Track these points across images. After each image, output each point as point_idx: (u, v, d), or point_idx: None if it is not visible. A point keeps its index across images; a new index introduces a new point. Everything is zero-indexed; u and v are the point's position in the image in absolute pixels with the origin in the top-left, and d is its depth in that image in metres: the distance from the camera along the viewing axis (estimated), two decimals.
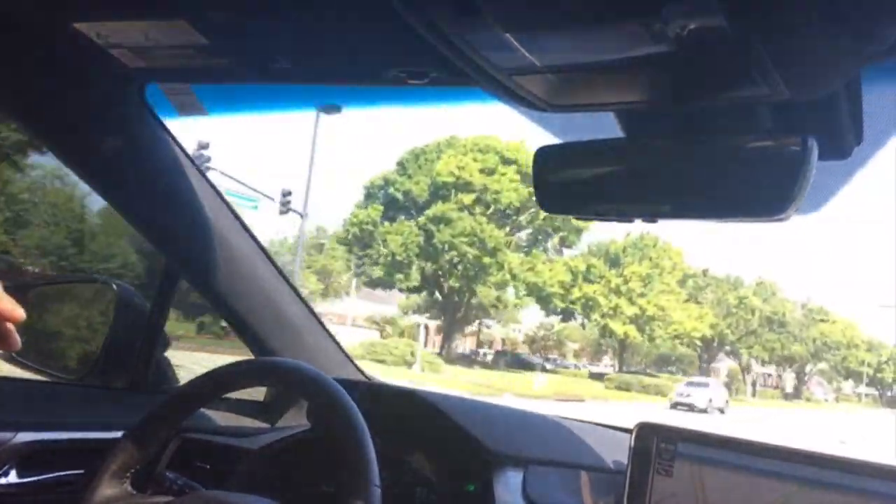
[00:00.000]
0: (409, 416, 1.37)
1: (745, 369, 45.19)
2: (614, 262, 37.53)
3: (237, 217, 1.49)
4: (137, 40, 1.02)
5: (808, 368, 49.76)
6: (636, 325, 36.64)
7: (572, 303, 35.85)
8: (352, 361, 1.74)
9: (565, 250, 36.51)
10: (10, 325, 0.71)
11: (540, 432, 1.44)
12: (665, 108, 0.88)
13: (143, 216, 1.43)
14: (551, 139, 0.97)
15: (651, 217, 0.91)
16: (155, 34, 1.00)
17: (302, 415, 1.52)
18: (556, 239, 35.70)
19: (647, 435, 1.10)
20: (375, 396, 1.41)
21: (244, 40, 1.01)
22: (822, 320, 46.92)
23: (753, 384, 46.96)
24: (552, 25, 0.72)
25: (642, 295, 36.47)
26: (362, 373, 1.76)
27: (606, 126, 0.92)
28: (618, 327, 36.66)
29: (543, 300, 35.10)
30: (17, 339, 0.72)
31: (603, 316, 36.60)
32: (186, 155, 1.37)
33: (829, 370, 52.81)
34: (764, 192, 0.79)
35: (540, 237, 35.45)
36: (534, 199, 1.01)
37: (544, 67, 0.78)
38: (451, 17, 0.72)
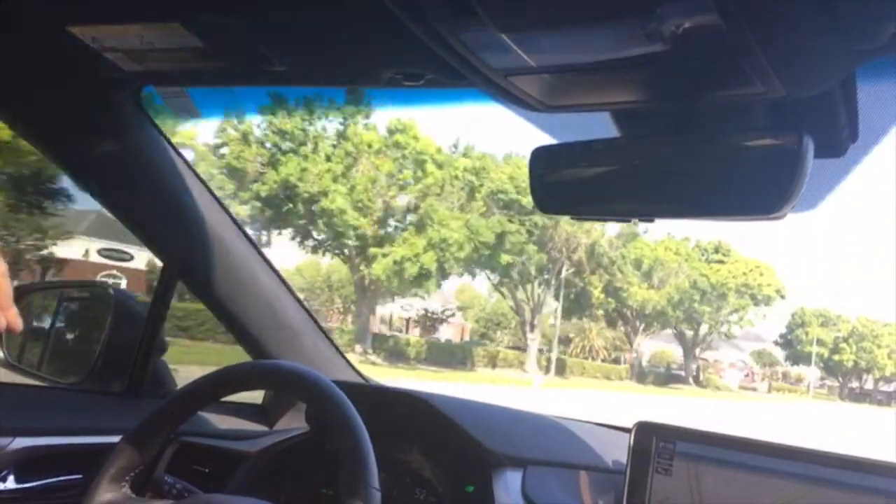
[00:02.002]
0: (407, 417, 1.36)
1: (528, 324, 28.34)
2: None
3: (234, 220, 1.49)
4: (133, 44, 1.02)
5: (705, 335, 33.95)
6: None
7: None
8: (349, 364, 1.74)
9: None
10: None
11: (539, 432, 1.44)
12: (661, 107, 0.88)
13: (139, 220, 1.43)
14: (547, 139, 0.98)
15: (648, 216, 0.91)
16: (150, 38, 1.00)
17: (300, 418, 1.51)
18: None
19: (647, 434, 1.10)
20: (374, 398, 1.41)
21: (239, 43, 1.01)
22: (718, 261, 32.69)
23: (549, 357, 30.22)
24: (547, 26, 0.72)
25: None
26: (360, 375, 1.76)
27: (602, 126, 0.92)
28: None
29: None
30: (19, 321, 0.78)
31: None
32: (182, 158, 1.36)
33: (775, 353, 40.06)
34: (760, 190, 0.79)
35: None
36: None
37: (540, 68, 0.78)
38: (446, 18, 0.72)
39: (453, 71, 0.82)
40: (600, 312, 31.40)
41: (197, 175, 1.39)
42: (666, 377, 34.68)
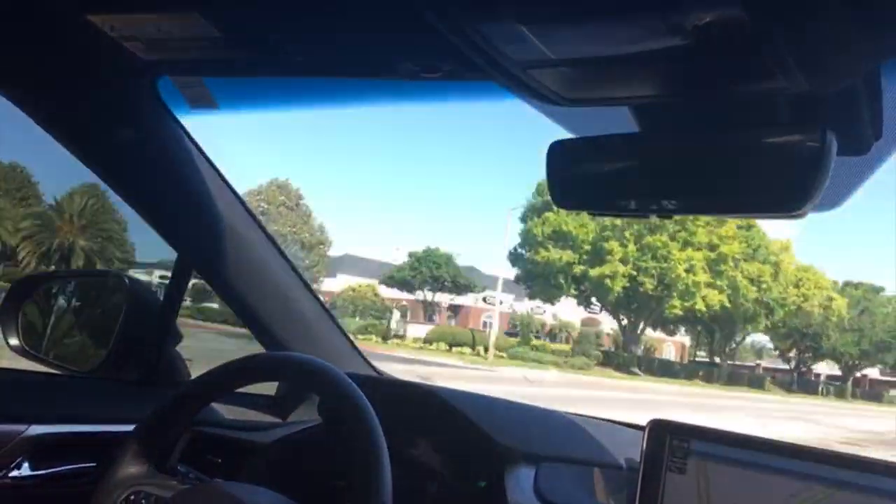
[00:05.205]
0: (420, 411, 1.36)
1: None
2: None
3: (249, 211, 1.49)
4: (150, 33, 1.02)
5: None
6: None
7: None
8: (362, 356, 1.74)
9: None
10: None
11: (552, 429, 1.43)
12: (681, 101, 0.87)
13: (154, 210, 1.43)
14: (565, 134, 0.97)
15: (666, 212, 0.90)
16: (168, 27, 1.00)
17: (313, 409, 1.52)
18: None
19: (661, 432, 1.09)
20: (387, 391, 1.41)
21: (257, 33, 1.01)
22: None
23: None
24: (568, 18, 0.71)
25: None
26: (373, 367, 1.76)
27: (621, 120, 0.91)
28: None
29: None
30: None
31: None
32: (198, 148, 1.36)
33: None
34: (781, 187, 0.78)
35: None
36: None
37: (559, 61, 0.77)
38: (465, 10, 0.71)
39: (472, 63, 0.81)
40: None
41: (213, 165, 1.40)
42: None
